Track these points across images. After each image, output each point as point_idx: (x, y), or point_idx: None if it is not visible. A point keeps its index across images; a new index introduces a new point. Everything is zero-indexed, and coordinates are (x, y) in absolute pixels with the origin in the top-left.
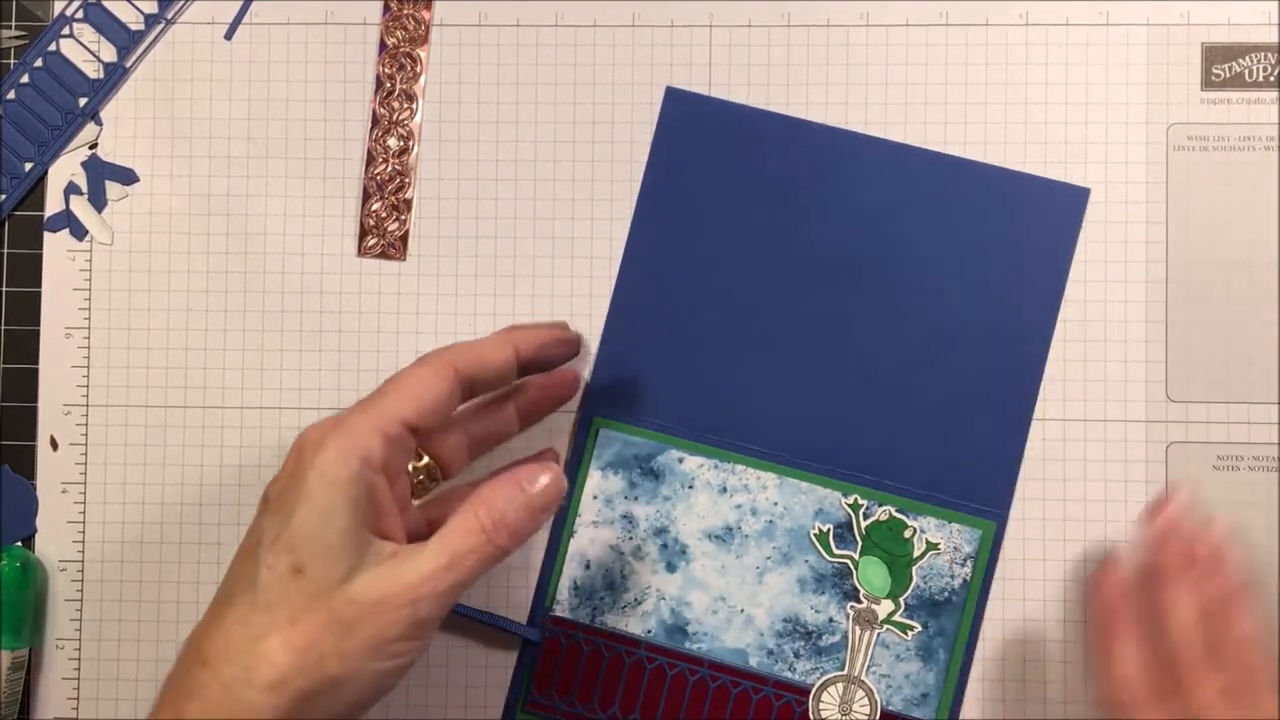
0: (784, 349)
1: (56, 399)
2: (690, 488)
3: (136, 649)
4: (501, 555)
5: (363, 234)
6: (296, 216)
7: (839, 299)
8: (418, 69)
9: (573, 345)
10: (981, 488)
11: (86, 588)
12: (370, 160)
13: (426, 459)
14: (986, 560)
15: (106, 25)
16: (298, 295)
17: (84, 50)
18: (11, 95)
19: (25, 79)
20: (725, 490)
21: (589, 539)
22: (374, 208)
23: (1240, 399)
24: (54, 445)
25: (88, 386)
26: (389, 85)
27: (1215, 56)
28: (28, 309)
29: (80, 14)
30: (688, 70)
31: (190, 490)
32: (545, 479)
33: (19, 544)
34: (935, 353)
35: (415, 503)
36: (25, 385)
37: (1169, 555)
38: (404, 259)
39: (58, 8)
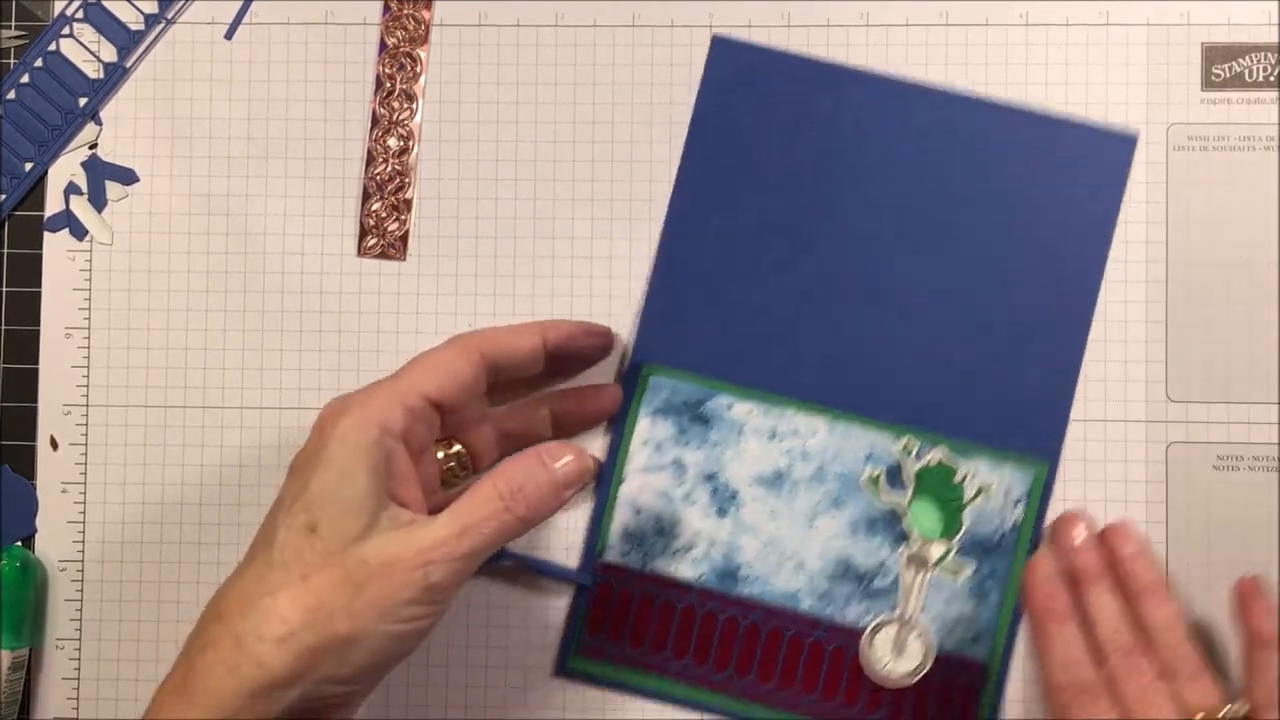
0: (832, 296)
1: (56, 399)
2: (740, 433)
3: (136, 649)
4: (521, 525)
5: (363, 234)
6: (296, 216)
7: (887, 245)
8: (418, 69)
9: (602, 338)
10: (1033, 431)
11: (86, 588)
12: (370, 160)
13: (457, 446)
14: (1039, 502)
15: (106, 25)
16: (298, 295)
17: (84, 50)
18: (11, 95)
19: (25, 79)
20: (775, 435)
21: (639, 485)
22: (374, 208)
23: (1240, 399)
24: (54, 445)
25: (88, 386)
26: (389, 85)
27: (1215, 56)
28: (28, 309)
29: (80, 14)
30: (688, 70)
31: (190, 490)
32: (569, 456)
33: (19, 544)
34: (984, 298)
35: (448, 493)
36: (25, 385)
37: (1083, 563)
38: (404, 259)
39: (58, 8)
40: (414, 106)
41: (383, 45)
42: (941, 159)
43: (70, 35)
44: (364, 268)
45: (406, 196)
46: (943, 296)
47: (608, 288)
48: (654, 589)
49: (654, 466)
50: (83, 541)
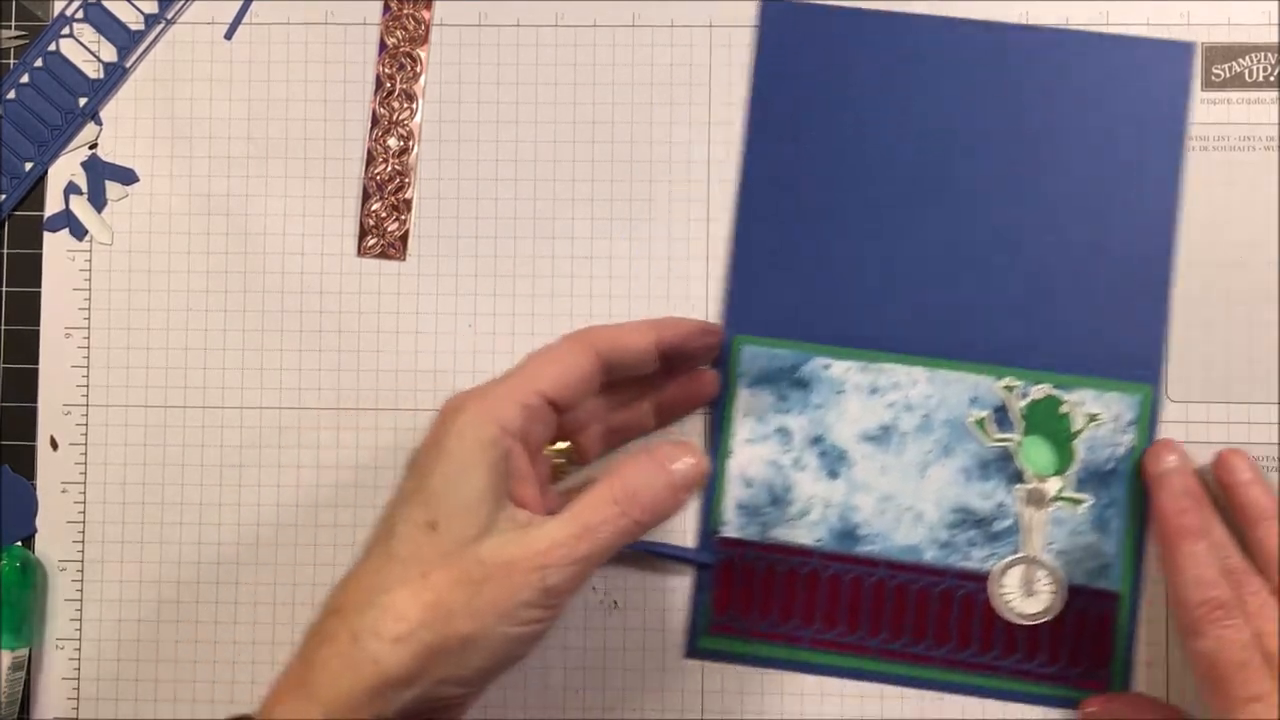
0: (914, 244)
1: (56, 399)
2: (840, 393)
3: (136, 649)
4: (637, 529)
5: (363, 234)
6: (296, 216)
7: (962, 187)
8: (418, 69)
9: (716, 337)
10: (1132, 355)
11: (86, 588)
12: (370, 160)
13: (566, 443)
14: (1149, 424)
15: (106, 25)
16: (298, 295)
17: (84, 50)
18: (11, 95)
19: (25, 79)
20: (876, 390)
21: (747, 457)
22: (374, 208)
23: (1240, 399)
24: (54, 445)
25: (88, 386)
26: (389, 85)
27: (1215, 56)
28: (28, 309)
29: (80, 14)
30: (688, 70)
31: (190, 490)
32: (688, 459)
33: (19, 544)
34: (1065, 227)
35: (556, 487)
36: (25, 385)
37: (1192, 488)
38: (404, 259)
39: (58, 8)
40: (414, 106)
41: (383, 45)
42: (1007, 92)
43: (70, 35)
44: (364, 268)
45: (406, 196)
46: (1023, 231)
47: (607, 288)
48: (775, 558)
49: (759, 437)
50: (83, 541)
